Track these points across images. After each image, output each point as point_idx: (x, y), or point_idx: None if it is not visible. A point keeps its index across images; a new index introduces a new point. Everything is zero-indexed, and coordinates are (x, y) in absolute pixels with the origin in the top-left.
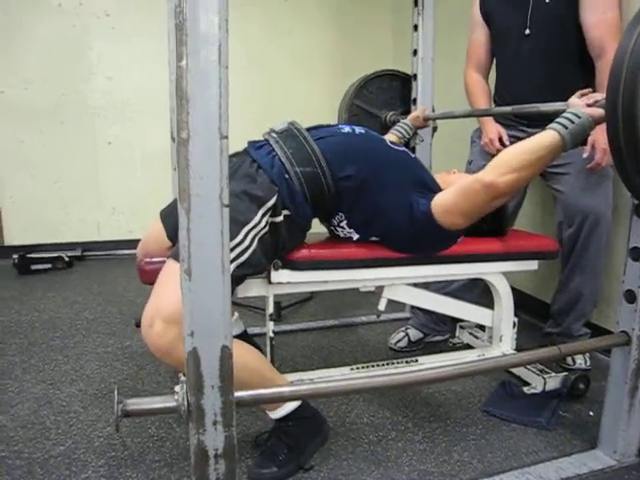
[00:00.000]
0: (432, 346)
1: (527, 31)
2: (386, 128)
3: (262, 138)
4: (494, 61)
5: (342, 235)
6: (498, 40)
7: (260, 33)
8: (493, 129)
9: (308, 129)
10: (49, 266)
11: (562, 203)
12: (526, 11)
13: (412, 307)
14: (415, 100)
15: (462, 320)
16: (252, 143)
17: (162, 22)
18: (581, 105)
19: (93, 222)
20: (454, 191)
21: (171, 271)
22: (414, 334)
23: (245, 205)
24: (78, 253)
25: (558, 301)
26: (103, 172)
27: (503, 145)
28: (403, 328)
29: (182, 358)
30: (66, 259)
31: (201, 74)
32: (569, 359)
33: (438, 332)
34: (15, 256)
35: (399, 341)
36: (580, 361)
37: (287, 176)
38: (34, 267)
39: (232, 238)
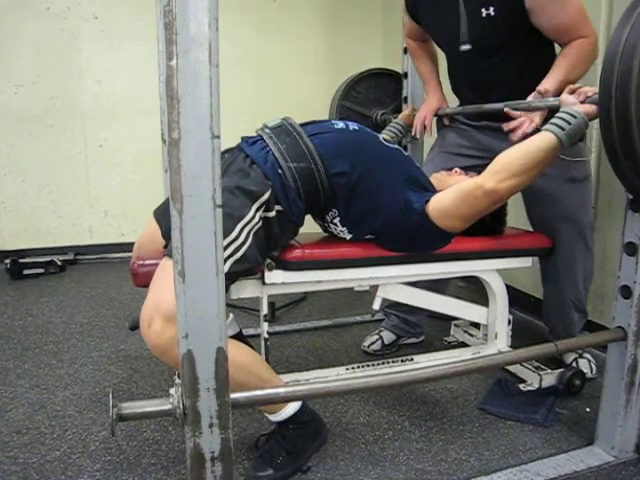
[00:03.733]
0: (427, 345)
1: (467, 46)
2: (377, 127)
3: (255, 134)
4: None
5: (335, 232)
6: (438, 45)
7: (252, 35)
8: (429, 107)
9: (301, 125)
10: (41, 271)
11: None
12: (457, 24)
13: (385, 309)
14: (406, 98)
15: (456, 318)
16: (245, 139)
17: (150, 24)
18: (574, 103)
19: (85, 226)
20: (452, 195)
21: (168, 269)
22: (388, 336)
23: (239, 200)
24: (70, 257)
25: (545, 315)
26: (94, 175)
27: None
28: (377, 331)
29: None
30: (59, 263)
31: (191, 73)
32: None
33: (412, 334)
34: (7, 261)
35: (372, 344)
36: (586, 370)
37: (280, 171)
38: (26, 272)
39: (227, 234)
